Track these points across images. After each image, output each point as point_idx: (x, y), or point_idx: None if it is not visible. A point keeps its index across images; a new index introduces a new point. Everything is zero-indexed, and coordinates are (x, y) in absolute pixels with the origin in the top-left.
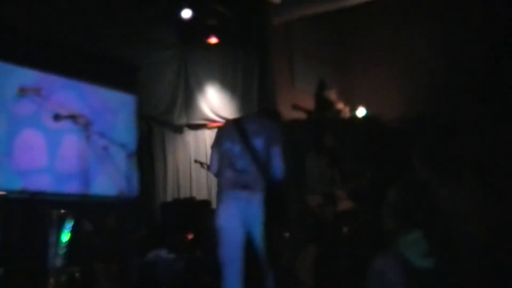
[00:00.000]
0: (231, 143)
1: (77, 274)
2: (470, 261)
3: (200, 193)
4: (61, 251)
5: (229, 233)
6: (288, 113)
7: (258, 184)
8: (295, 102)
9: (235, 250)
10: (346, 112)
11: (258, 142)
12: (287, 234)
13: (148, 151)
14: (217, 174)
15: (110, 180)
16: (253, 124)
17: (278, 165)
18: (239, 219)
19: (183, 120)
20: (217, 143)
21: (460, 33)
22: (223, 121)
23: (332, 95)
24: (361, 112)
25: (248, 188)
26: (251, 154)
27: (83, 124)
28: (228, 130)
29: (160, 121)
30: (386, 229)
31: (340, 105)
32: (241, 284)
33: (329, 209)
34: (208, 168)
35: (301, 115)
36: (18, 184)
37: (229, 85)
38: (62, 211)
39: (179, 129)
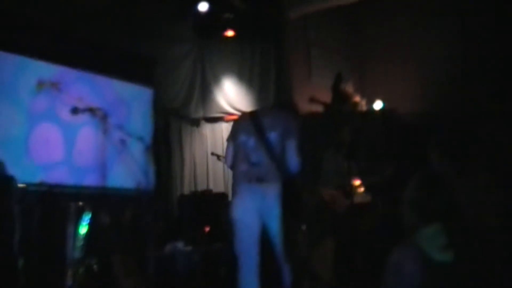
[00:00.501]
0: (246, 136)
1: (95, 266)
2: (488, 254)
3: (217, 186)
4: (79, 243)
5: (244, 226)
6: (305, 106)
7: (273, 176)
8: (312, 95)
9: (250, 243)
10: (362, 105)
11: (273, 136)
12: (304, 227)
13: (165, 144)
14: (232, 167)
15: (128, 173)
16: (269, 117)
17: (293, 158)
18: (254, 212)
19: (200, 113)
20: (232, 136)
21: (477, 28)
22: (239, 114)
23: (349, 88)
24: (378, 105)
25: (263, 181)
26: (265, 148)
27: (101, 117)
28: (243, 123)
29: (177, 114)
30: (404, 222)
31: (357, 98)
32: (257, 276)
33: (342, 202)
34: (224, 161)
35: (318, 108)
36: (36, 177)
37: (246, 78)
38: (80, 203)
39: (196, 122)
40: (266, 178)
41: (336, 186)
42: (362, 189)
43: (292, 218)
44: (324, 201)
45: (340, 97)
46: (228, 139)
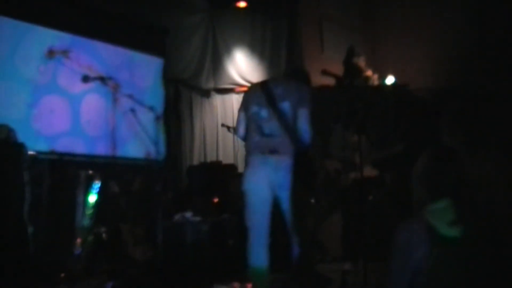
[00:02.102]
0: (258, 107)
1: (104, 235)
2: (498, 229)
3: (227, 157)
4: (88, 211)
5: (256, 197)
6: (317, 79)
7: (286, 148)
8: (324, 68)
9: (261, 215)
10: (374, 79)
11: (285, 105)
12: (312, 201)
13: (176, 115)
14: (245, 138)
15: (138, 142)
16: (280, 86)
17: (304, 128)
18: (266, 183)
19: (210, 84)
20: (244, 107)
21: (492, 3)
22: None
23: (361, 62)
24: (389, 80)
25: (276, 152)
26: (278, 118)
27: (111, 86)
28: (254, 94)
29: (187, 85)
30: (413, 197)
31: (368, 73)
32: (266, 248)
33: (347, 175)
34: (235, 132)
35: (329, 81)
36: (46, 146)
37: (257, 50)
38: (90, 172)
39: (206, 93)
40: (279, 150)
41: (341, 159)
42: (368, 163)
43: (303, 191)
44: (327, 173)
45: (352, 71)
46: (240, 110)
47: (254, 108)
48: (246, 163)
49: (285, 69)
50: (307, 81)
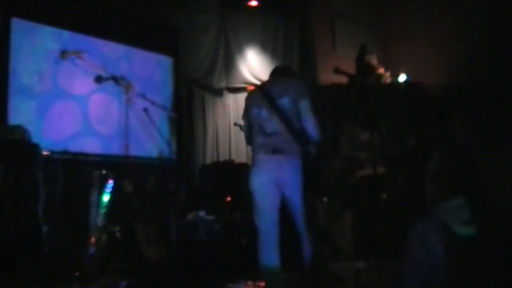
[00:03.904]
0: (257, 108)
1: (117, 234)
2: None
3: (239, 156)
4: (102, 210)
5: (262, 197)
6: (329, 77)
7: (290, 146)
8: (337, 66)
9: (269, 215)
10: (387, 77)
11: (285, 101)
12: (325, 199)
13: (188, 114)
14: (250, 142)
15: (151, 142)
16: (276, 84)
17: (308, 119)
18: (271, 183)
19: (223, 83)
20: (245, 112)
21: (504, 0)
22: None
23: (373, 60)
24: (402, 78)
25: (279, 152)
26: (278, 115)
27: (125, 86)
28: (253, 96)
29: (200, 84)
30: (427, 195)
31: (381, 70)
32: (277, 247)
33: (353, 174)
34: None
35: (342, 79)
36: (59, 148)
37: (270, 49)
38: (104, 171)
39: (219, 92)
40: (282, 149)
41: (348, 158)
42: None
43: (313, 189)
44: (331, 170)
45: (364, 69)
46: (242, 117)
47: (254, 110)
48: (252, 164)
49: (275, 68)
50: (297, 77)
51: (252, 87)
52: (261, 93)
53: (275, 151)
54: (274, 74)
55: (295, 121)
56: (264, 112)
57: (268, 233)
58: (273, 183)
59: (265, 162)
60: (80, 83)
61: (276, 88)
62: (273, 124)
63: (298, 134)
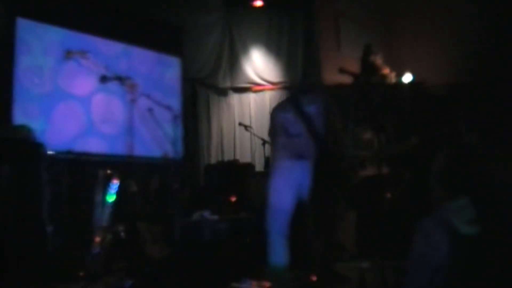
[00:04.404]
0: (284, 112)
1: (122, 233)
2: None
3: (244, 156)
4: (107, 210)
5: (281, 201)
6: (334, 77)
7: (311, 151)
8: (341, 66)
9: (284, 216)
10: (391, 77)
11: (312, 108)
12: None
13: (193, 114)
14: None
15: (155, 142)
16: (306, 95)
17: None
18: (292, 192)
19: (227, 83)
20: (272, 125)
21: (509, 1)
22: (267, 84)
23: (377, 60)
24: (407, 78)
25: (302, 157)
26: (304, 120)
27: (129, 86)
28: (281, 106)
29: (204, 84)
30: (433, 195)
31: (385, 70)
32: (286, 247)
33: (356, 174)
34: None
35: (346, 79)
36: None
37: (274, 48)
38: (108, 171)
39: (223, 92)
40: (305, 154)
41: (353, 157)
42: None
43: (325, 192)
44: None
45: (369, 69)
46: (269, 135)
47: (280, 114)
48: (273, 166)
49: (302, 71)
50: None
51: (257, 87)
52: (288, 101)
53: (298, 156)
54: (302, 88)
55: (319, 126)
56: (291, 116)
57: (280, 233)
58: (295, 189)
59: (290, 169)
60: (83, 84)
61: (304, 97)
62: (297, 126)
63: (318, 137)
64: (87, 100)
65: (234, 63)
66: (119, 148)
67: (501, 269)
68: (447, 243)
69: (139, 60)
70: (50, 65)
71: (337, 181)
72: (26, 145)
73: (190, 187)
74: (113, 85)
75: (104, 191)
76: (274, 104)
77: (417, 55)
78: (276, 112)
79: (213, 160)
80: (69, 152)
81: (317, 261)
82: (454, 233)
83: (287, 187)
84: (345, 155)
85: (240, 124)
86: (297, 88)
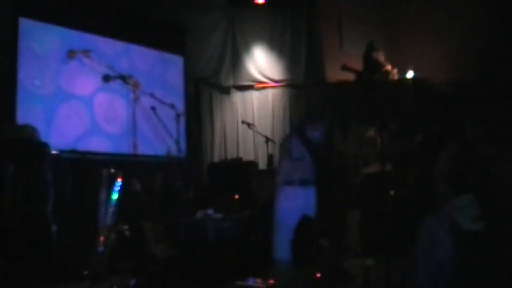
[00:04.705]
0: (289, 138)
1: (126, 232)
2: None
3: (247, 154)
4: (111, 209)
5: (287, 220)
6: (337, 75)
7: (312, 173)
8: (344, 63)
9: (290, 228)
10: (394, 74)
11: (315, 135)
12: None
13: (196, 112)
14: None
15: (159, 140)
16: (310, 123)
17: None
18: (297, 213)
19: (230, 81)
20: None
21: None
22: (270, 82)
23: (380, 56)
24: (409, 74)
25: (305, 183)
26: (306, 145)
27: (132, 84)
28: (288, 134)
29: (207, 82)
30: (436, 193)
31: (388, 67)
32: (290, 245)
33: (359, 171)
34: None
35: (349, 76)
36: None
37: (277, 47)
38: (112, 170)
39: (226, 90)
40: (308, 179)
41: (356, 155)
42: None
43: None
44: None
45: (372, 66)
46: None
47: (285, 140)
48: (278, 189)
49: (305, 69)
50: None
51: (260, 85)
52: (293, 130)
53: (302, 183)
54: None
55: (322, 151)
56: (294, 141)
57: (285, 238)
58: (299, 212)
59: (293, 197)
60: (86, 83)
61: (308, 126)
62: (300, 151)
63: (322, 162)
64: (90, 100)
65: (237, 61)
66: (123, 147)
67: (504, 265)
68: (452, 240)
69: (142, 59)
70: (53, 64)
71: (340, 187)
72: (30, 145)
73: (193, 185)
74: (116, 84)
75: (108, 190)
76: (277, 102)
77: (420, 52)
78: (283, 140)
79: (216, 158)
80: (73, 152)
81: (322, 259)
82: (458, 230)
83: (291, 210)
84: (344, 165)
85: (243, 122)
86: (302, 118)
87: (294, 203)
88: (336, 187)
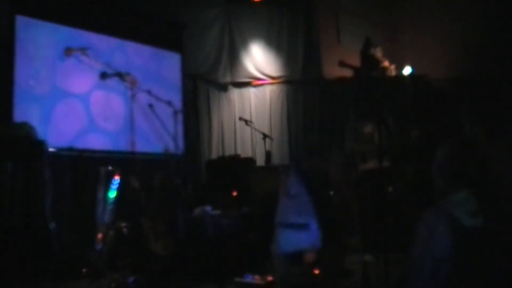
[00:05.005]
0: (286, 175)
1: (125, 230)
2: None
3: (245, 151)
4: (109, 206)
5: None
6: (334, 71)
7: (308, 210)
8: (342, 59)
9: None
10: (392, 70)
11: (312, 171)
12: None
13: (194, 109)
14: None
15: (156, 137)
16: (307, 160)
17: None
18: (294, 249)
19: (228, 78)
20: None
21: None
22: (267, 79)
23: (378, 53)
24: (407, 70)
25: (302, 228)
26: (303, 182)
27: (130, 82)
28: (286, 171)
29: (205, 79)
30: (435, 188)
31: (386, 63)
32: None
33: (357, 167)
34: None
35: (346, 73)
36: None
37: (274, 43)
38: (110, 168)
39: (224, 87)
40: (303, 222)
41: (353, 151)
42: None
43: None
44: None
45: (369, 62)
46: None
47: (283, 176)
48: (277, 225)
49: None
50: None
51: (258, 82)
52: (291, 167)
53: (300, 227)
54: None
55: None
56: (292, 176)
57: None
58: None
59: (290, 239)
60: (83, 81)
61: (304, 163)
62: (297, 188)
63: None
64: (87, 97)
65: (234, 58)
66: (121, 145)
67: (503, 261)
68: (450, 235)
69: (139, 56)
70: (50, 62)
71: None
72: (28, 142)
73: (192, 182)
74: (113, 82)
75: (106, 188)
76: (274, 99)
77: (418, 48)
78: (282, 171)
79: (214, 155)
80: (71, 149)
81: (323, 256)
82: (456, 225)
83: (287, 249)
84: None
85: (240, 118)
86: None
87: (290, 243)
88: (337, 220)
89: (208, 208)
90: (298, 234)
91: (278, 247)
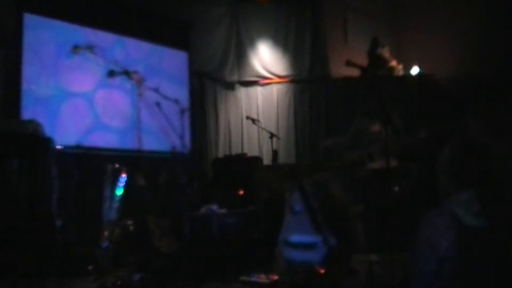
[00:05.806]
0: (291, 192)
1: (130, 227)
2: None
3: (252, 149)
4: (115, 204)
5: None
6: (341, 70)
7: (310, 228)
8: (349, 58)
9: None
10: (399, 70)
11: (314, 190)
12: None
13: (200, 108)
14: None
15: (163, 135)
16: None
17: None
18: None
19: (234, 77)
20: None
21: None
22: (274, 77)
23: (385, 52)
24: (414, 70)
25: (307, 248)
26: (305, 199)
27: (137, 80)
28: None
29: (212, 78)
30: (440, 188)
31: (393, 63)
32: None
33: (363, 167)
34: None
35: (354, 72)
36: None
37: (281, 42)
38: (116, 165)
39: (231, 86)
40: (304, 241)
41: (359, 150)
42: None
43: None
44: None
45: (376, 61)
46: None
47: (287, 194)
48: (281, 243)
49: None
50: None
51: (265, 81)
52: (296, 185)
53: (306, 248)
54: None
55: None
56: (296, 195)
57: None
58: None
59: (295, 259)
60: (90, 79)
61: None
62: (300, 205)
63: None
64: (93, 96)
65: (241, 56)
66: (127, 143)
67: (506, 261)
68: (453, 235)
69: (146, 55)
70: (55, 61)
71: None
72: (35, 139)
73: (198, 180)
74: (120, 80)
75: (113, 185)
76: (281, 98)
77: (425, 48)
78: (287, 194)
79: (220, 154)
80: (77, 147)
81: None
82: (460, 225)
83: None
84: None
85: (247, 117)
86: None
87: (296, 263)
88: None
89: (214, 207)
90: (304, 254)
91: (284, 263)
